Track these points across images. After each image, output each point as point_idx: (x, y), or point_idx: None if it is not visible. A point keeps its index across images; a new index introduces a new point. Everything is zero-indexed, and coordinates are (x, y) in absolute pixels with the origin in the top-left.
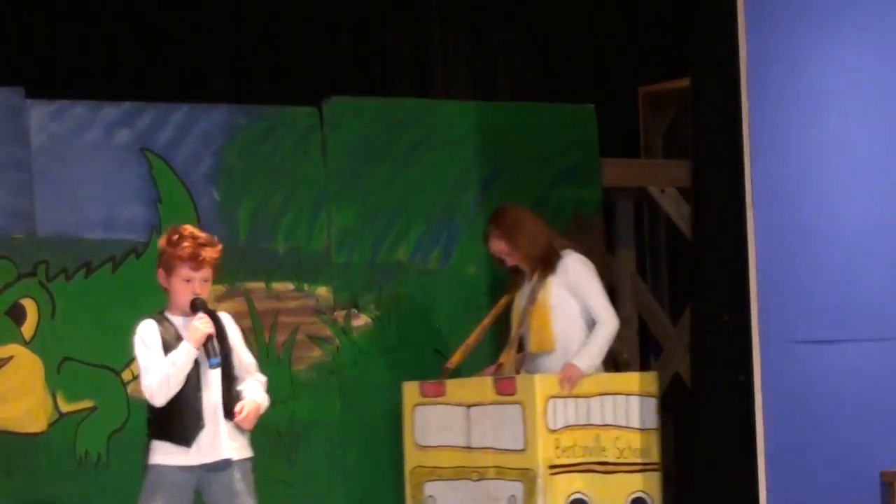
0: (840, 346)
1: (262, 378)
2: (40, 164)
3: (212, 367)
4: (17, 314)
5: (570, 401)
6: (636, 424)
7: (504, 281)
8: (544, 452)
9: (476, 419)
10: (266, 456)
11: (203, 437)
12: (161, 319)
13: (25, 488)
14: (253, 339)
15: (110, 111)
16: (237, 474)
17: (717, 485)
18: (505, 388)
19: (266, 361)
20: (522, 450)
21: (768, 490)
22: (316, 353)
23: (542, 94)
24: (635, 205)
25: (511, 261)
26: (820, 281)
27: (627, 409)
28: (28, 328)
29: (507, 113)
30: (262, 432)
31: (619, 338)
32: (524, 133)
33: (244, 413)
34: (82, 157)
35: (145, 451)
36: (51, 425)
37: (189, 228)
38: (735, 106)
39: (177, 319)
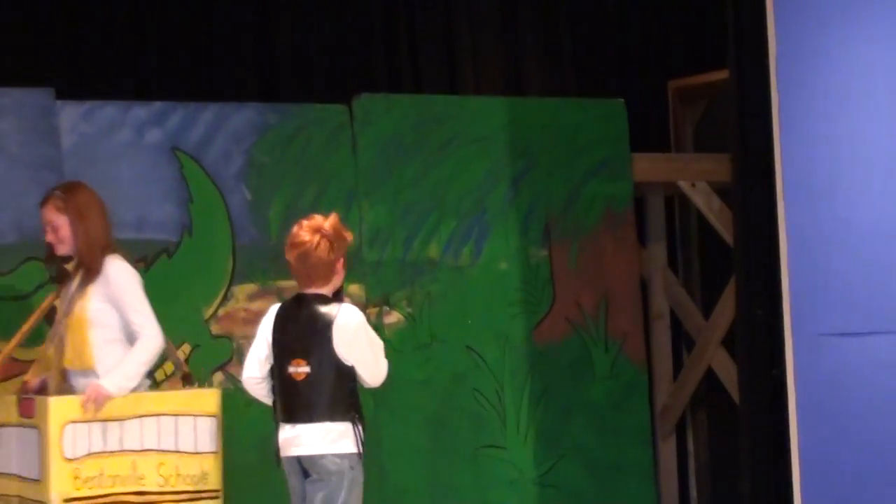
0: (872, 339)
1: None
2: (71, 165)
3: None
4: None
5: (97, 425)
6: (188, 448)
7: (538, 276)
8: (59, 484)
9: (4, 441)
10: None
11: None
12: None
13: None
14: None
15: (140, 111)
16: None
17: (752, 477)
18: (26, 411)
19: None
20: (39, 480)
21: (802, 482)
22: None
23: (572, 90)
24: (666, 199)
25: (61, 249)
26: (852, 273)
27: (177, 432)
28: None
29: (538, 108)
30: None
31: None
32: (554, 128)
33: None
34: (113, 158)
35: (356, 438)
36: None
37: None
38: (765, 100)
39: None
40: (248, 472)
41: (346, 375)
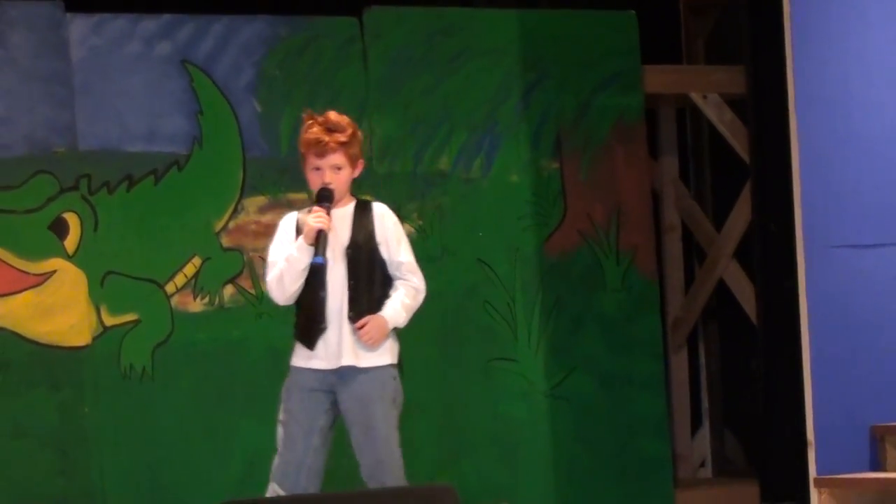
0: (884, 251)
1: (416, 283)
2: (81, 78)
3: (314, 264)
4: (60, 228)
5: None
6: None
7: (549, 188)
8: None
9: None
10: None
11: (328, 341)
12: (308, 212)
13: (70, 402)
14: None
15: (150, 23)
16: (370, 381)
17: (763, 389)
18: None
19: None
20: None
21: (814, 393)
22: None
23: (584, 1)
24: (677, 111)
25: None
26: (863, 186)
27: None
28: (71, 242)
29: (549, 20)
30: None
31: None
32: (566, 40)
33: (365, 329)
34: (123, 70)
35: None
36: (95, 339)
37: (329, 114)
38: (777, 11)
39: None
40: (255, 384)
41: None
